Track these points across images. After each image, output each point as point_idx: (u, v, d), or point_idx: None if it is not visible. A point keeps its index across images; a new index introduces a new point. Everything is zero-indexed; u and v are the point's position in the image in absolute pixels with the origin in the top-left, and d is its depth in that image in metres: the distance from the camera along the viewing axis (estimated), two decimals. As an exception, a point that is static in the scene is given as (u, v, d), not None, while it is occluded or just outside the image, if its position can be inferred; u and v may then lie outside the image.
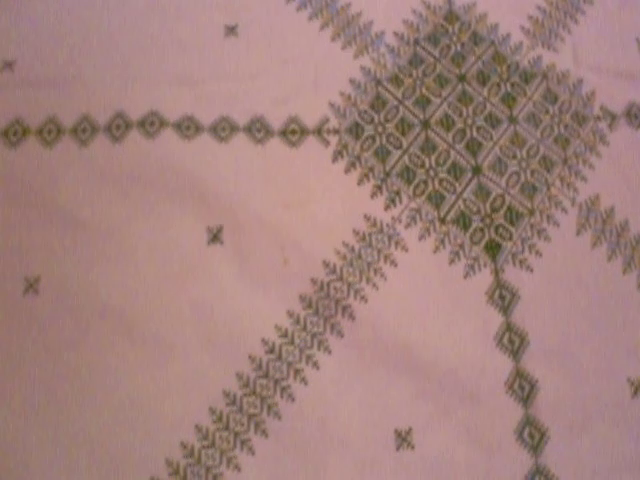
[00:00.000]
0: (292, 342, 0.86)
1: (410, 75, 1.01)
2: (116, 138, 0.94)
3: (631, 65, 1.05)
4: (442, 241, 0.92)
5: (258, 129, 0.96)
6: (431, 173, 0.95)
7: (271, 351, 0.86)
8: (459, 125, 0.99)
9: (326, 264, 0.90)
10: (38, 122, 0.95)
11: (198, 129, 0.95)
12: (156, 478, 0.80)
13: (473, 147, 0.97)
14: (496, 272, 0.91)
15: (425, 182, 0.95)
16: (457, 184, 0.95)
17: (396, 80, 1.01)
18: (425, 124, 0.98)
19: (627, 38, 1.07)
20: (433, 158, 0.96)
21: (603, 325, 0.91)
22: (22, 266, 0.88)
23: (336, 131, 0.97)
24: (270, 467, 0.82)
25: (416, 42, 1.03)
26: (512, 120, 1.00)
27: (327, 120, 0.97)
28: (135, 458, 0.81)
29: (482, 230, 0.93)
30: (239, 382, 0.84)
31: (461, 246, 0.92)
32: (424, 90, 1.00)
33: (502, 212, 0.94)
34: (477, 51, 1.04)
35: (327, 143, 0.96)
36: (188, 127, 0.95)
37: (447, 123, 0.99)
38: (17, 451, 0.80)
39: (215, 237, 0.90)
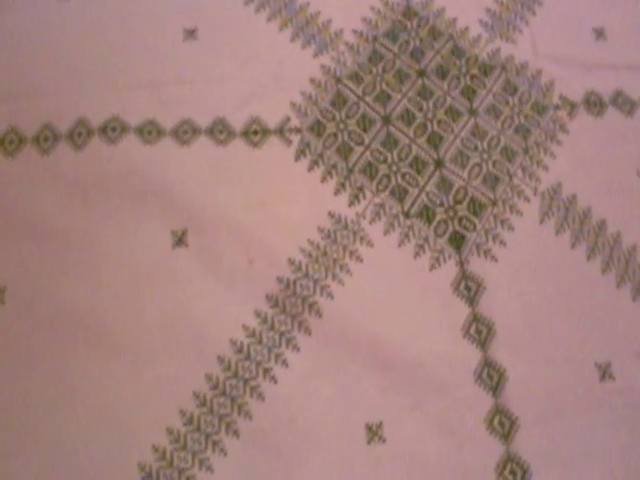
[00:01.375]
0: (260, 341, 0.86)
1: (370, 72, 1.02)
2: (78, 145, 0.94)
3: (588, 54, 1.07)
4: (407, 235, 0.93)
5: (220, 131, 0.96)
6: (394, 168, 0.96)
7: (240, 351, 0.86)
8: (420, 119, 0.99)
9: (291, 262, 0.90)
10: (-1, 132, 0.95)
11: (160, 133, 0.95)
12: (129, 483, 0.80)
13: (434, 141, 0.98)
14: (461, 263, 0.92)
15: (388, 177, 0.95)
16: (420, 178, 0.96)
17: (356, 77, 1.01)
18: (386, 120, 0.99)
19: (584, 27, 1.09)
20: (395, 153, 0.97)
21: (569, 311, 0.91)
22: (-14, 277, 0.88)
23: (298, 130, 0.97)
24: (243, 467, 0.82)
25: (375, 39, 1.04)
26: (472, 112, 1.01)
27: (289, 119, 0.98)
28: (108, 464, 0.81)
29: (446, 222, 0.94)
30: (209, 383, 0.84)
31: (426, 239, 0.93)
32: (384, 86, 1.01)
33: (465, 204, 0.95)
34: (436, 46, 1.05)
35: (289, 142, 0.96)
36: (150, 131, 0.95)
37: (408, 118, 0.99)
38: (-10, 463, 0.80)
39: (180, 240, 0.90)
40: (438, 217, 0.94)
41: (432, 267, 0.92)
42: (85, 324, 0.86)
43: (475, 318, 0.90)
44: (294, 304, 0.88)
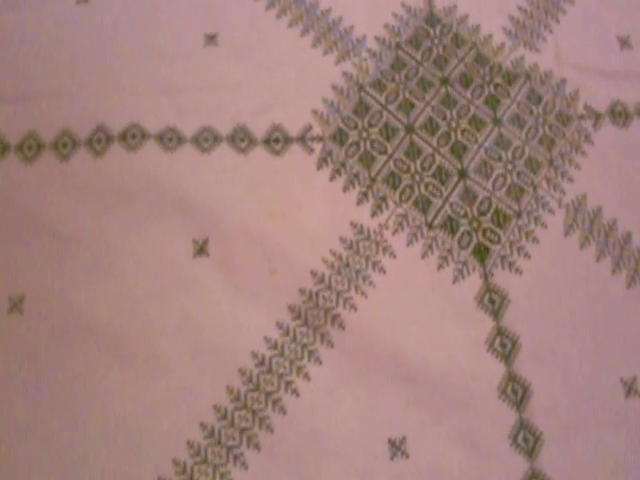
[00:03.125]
0: (282, 354, 0.85)
1: (393, 79, 1.00)
2: (97, 152, 0.93)
3: (614, 63, 1.05)
4: (430, 246, 0.91)
5: (241, 138, 0.95)
6: (417, 178, 0.95)
7: (261, 363, 0.85)
8: (443, 128, 0.98)
9: (314, 273, 0.89)
10: (18, 138, 0.93)
11: (180, 140, 0.94)
12: (149, 496, 0.79)
13: (458, 150, 0.97)
14: (485, 276, 0.91)
15: (411, 187, 0.94)
16: (443, 188, 0.95)
17: (379, 85, 1.00)
18: (409, 128, 0.97)
19: (609, 36, 1.07)
20: (418, 163, 0.96)
21: (594, 326, 0.90)
22: (5, 285, 0.87)
23: (320, 138, 0.96)
24: (264, 481, 0.81)
25: (398, 46, 1.03)
26: (496, 122, 0.99)
27: (310, 127, 0.96)
28: (127, 477, 0.80)
29: (470, 234, 0.93)
30: (230, 396, 0.83)
31: (449, 251, 0.92)
32: (407, 94, 1.00)
33: (489, 215, 0.94)
34: (459, 53, 1.03)
35: (311, 150, 0.95)
36: (170, 139, 0.94)
37: (431, 127, 0.98)
38: (4, 473, 0.79)
39: (201, 249, 0.89)
40: (462, 228, 0.93)
41: (456, 279, 0.90)
42: (104, 333, 0.85)
43: (499, 332, 0.88)
44: (316, 316, 0.87)
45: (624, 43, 1.06)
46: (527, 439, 0.84)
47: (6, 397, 0.82)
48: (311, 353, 0.86)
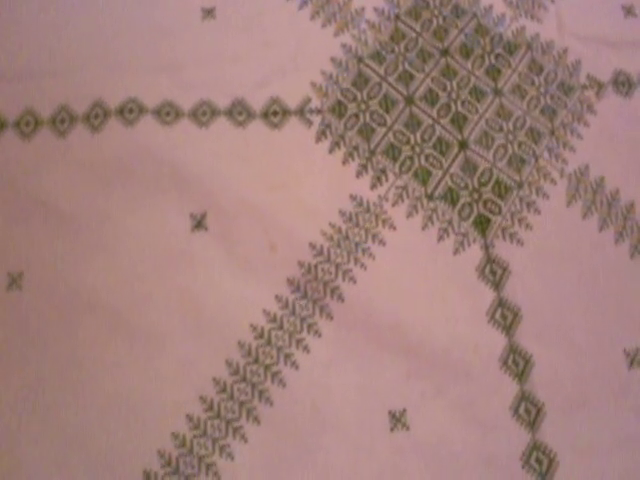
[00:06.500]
0: (281, 327, 0.85)
1: (392, 51, 0.99)
2: (95, 127, 0.92)
3: (617, 32, 1.04)
4: (430, 218, 0.91)
5: (239, 112, 0.94)
6: (417, 149, 0.94)
7: (260, 336, 0.84)
8: (443, 100, 0.97)
9: (313, 246, 0.88)
10: (15, 115, 0.93)
11: (178, 114, 0.93)
12: (149, 470, 0.79)
13: (459, 121, 0.96)
14: (486, 247, 0.90)
15: (411, 159, 0.93)
16: (443, 159, 0.94)
17: (378, 57, 0.99)
18: (409, 100, 0.96)
19: (612, 4, 1.05)
20: (418, 134, 0.95)
21: (596, 296, 0.89)
22: (4, 262, 0.87)
23: (319, 111, 0.95)
24: (264, 454, 0.80)
25: (397, 17, 1.01)
26: (497, 92, 0.98)
27: (309, 100, 0.96)
28: (127, 451, 0.80)
29: (470, 205, 0.92)
30: (229, 369, 0.83)
31: (450, 222, 0.91)
32: (407, 66, 0.98)
33: (490, 186, 0.93)
34: (459, 24, 1.02)
35: (310, 123, 0.94)
36: (168, 113, 0.93)
37: (431, 98, 0.97)
38: (7, 449, 0.79)
39: (199, 223, 0.89)
40: (462, 200, 0.92)
41: (456, 251, 0.90)
42: (103, 308, 0.85)
43: (500, 303, 0.88)
44: (316, 289, 0.86)
45: (628, 12, 1.05)
46: (529, 410, 0.84)
47: (5, 372, 0.82)
48: (310, 326, 0.85)
